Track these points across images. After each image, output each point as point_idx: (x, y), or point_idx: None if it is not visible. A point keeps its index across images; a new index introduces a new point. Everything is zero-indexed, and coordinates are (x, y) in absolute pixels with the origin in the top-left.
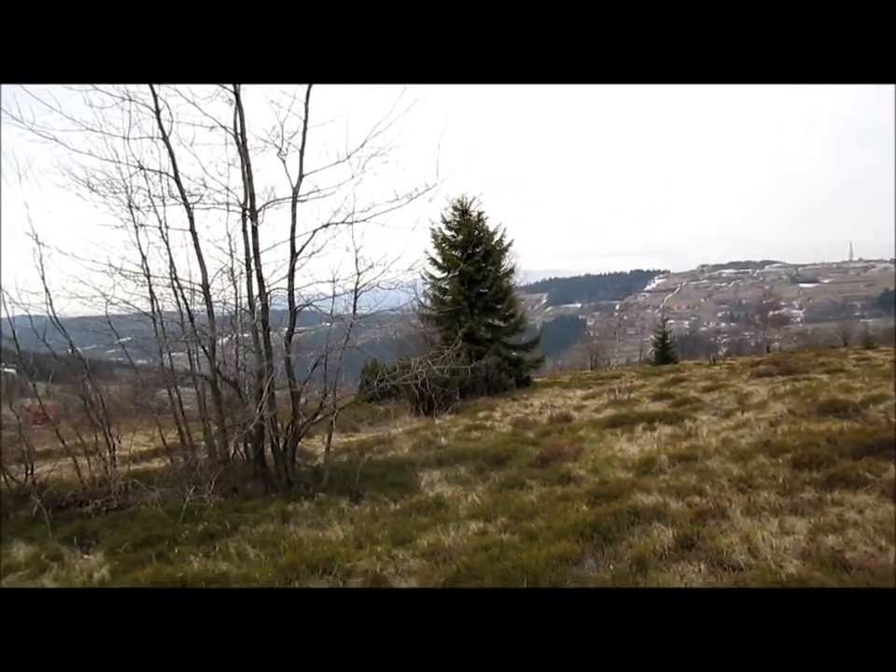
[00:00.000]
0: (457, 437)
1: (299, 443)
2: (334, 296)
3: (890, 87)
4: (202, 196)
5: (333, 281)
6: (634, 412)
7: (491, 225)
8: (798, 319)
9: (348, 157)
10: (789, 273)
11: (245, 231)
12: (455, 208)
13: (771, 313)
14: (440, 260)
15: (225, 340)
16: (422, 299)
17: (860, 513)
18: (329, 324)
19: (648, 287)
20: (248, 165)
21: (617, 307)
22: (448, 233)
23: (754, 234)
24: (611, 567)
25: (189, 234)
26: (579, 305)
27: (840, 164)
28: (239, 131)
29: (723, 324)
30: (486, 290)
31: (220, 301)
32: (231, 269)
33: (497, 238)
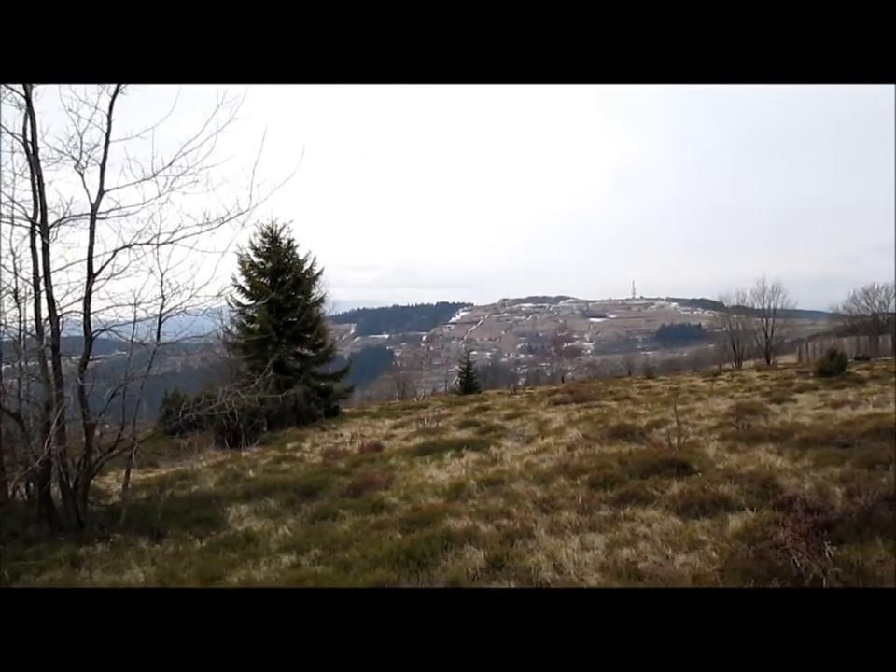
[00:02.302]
0: (266, 469)
1: (91, 482)
2: (135, 321)
3: (891, 87)
4: None
5: (135, 304)
6: (442, 439)
7: (301, 253)
8: (589, 351)
9: (154, 175)
10: (580, 307)
11: (33, 247)
12: (264, 235)
13: (565, 345)
14: (247, 288)
15: (5, 368)
16: (228, 326)
17: (649, 527)
18: (128, 351)
19: (453, 319)
20: (40, 177)
21: (424, 338)
22: (257, 260)
23: (550, 269)
24: None
25: None
26: (386, 336)
27: (624, 203)
28: (30, 138)
29: (522, 355)
30: (295, 319)
31: (1, 325)
32: (16, 289)
33: (307, 266)
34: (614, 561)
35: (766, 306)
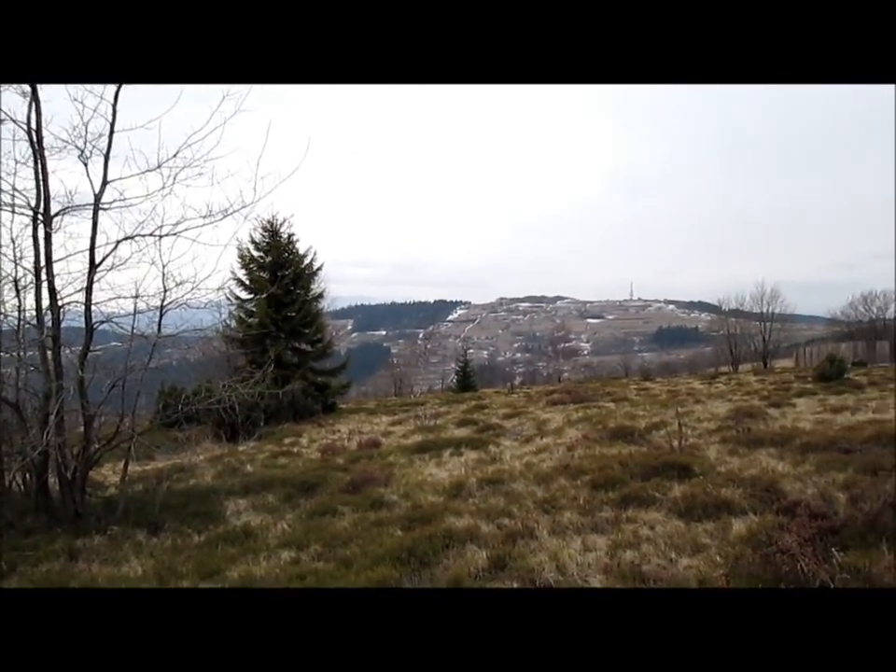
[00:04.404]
0: (263, 464)
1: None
2: (135, 312)
3: (891, 87)
4: None
5: (136, 297)
6: (441, 437)
7: (301, 248)
8: (586, 352)
9: (159, 166)
10: (578, 308)
11: (35, 237)
12: (264, 229)
13: (562, 345)
14: (247, 282)
15: (4, 357)
16: (227, 320)
17: (651, 529)
18: (128, 343)
19: (450, 317)
20: (44, 165)
21: (421, 335)
22: (257, 254)
23: (549, 269)
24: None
25: None
26: (384, 332)
27: (622, 204)
28: (34, 127)
29: (519, 354)
30: (294, 314)
31: (0, 314)
32: (16, 278)
33: (307, 261)
34: (618, 563)
35: (764, 310)
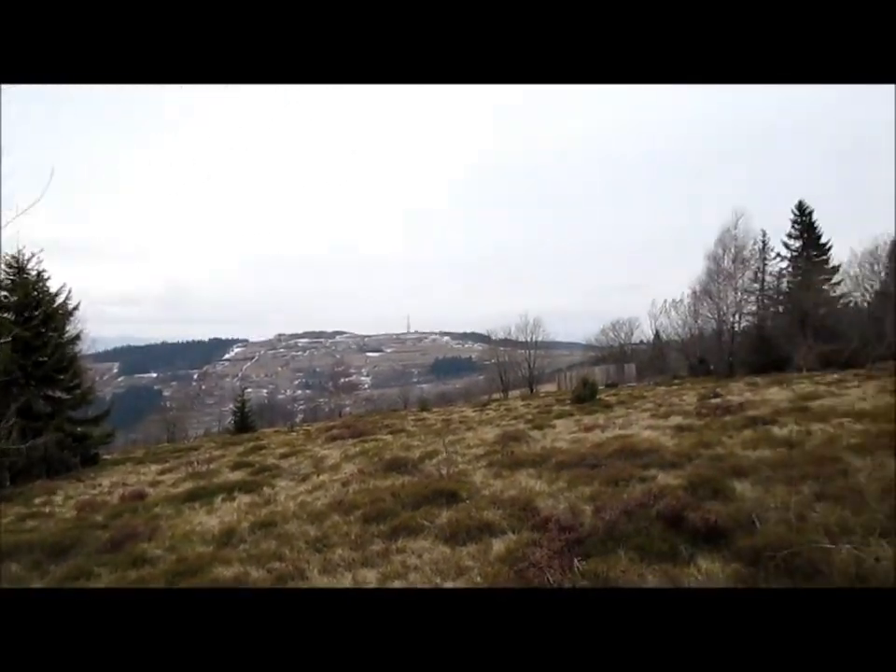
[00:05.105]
0: (7, 529)
1: None
2: None
3: (891, 87)
4: None
5: None
6: (213, 483)
7: (54, 285)
8: (366, 385)
9: None
10: (357, 342)
11: None
12: (8, 265)
13: (342, 380)
14: None
15: None
16: None
17: (419, 557)
18: None
19: (227, 356)
20: None
21: (195, 376)
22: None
23: (327, 304)
24: None
25: None
26: (154, 375)
27: (403, 241)
28: None
29: (300, 391)
30: (46, 359)
31: None
32: None
33: (60, 300)
34: None
35: (529, 339)
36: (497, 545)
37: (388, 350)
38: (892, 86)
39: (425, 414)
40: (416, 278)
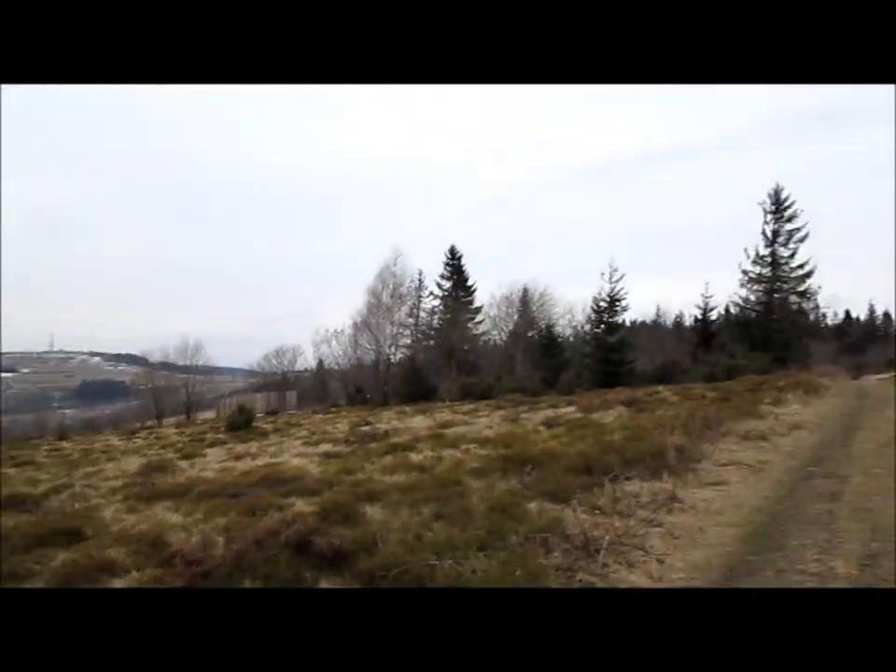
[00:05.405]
0: None
1: None
2: None
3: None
4: None
5: None
6: None
7: None
8: None
9: None
10: None
11: None
12: None
13: None
14: None
15: None
16: None
17: None
18: None
19: None
20: None
21: None
22: None
23: None
24: None
25: None
26: None
27: (48, 249)
28: None
29: None
30: None
31: None
32: None
33: None
34: None
35: (189, 363)
36: (120, 584)
37: (25, 370)
38: (892, 86)
39: (63, 444)
40: (64, 290)
